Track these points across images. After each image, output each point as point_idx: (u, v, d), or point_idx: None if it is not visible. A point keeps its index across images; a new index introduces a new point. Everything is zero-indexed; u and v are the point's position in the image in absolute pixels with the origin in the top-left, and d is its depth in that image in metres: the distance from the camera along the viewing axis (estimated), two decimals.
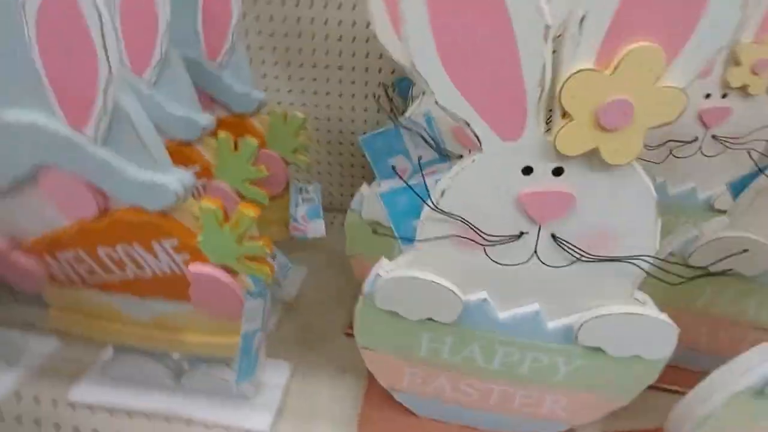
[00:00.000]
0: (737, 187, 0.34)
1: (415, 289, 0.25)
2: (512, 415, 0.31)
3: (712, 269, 0.31)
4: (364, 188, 0.35)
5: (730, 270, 0.29)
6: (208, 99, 0.36)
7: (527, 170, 0.21)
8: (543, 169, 0.20)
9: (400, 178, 0.28)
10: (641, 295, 0.24)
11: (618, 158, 0.19)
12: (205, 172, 0.32)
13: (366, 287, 0.27)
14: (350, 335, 0.39)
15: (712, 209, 0.41)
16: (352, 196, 0.37)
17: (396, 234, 0.26)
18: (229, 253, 0.22)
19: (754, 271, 0.30)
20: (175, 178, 0.20)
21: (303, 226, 0.43)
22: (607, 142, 0.18)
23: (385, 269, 0.26)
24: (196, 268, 0.22)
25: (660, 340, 0.24)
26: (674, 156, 0.40)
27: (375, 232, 0.29)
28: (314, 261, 0.51)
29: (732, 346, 0.35)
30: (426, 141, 0.30)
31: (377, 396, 0.34)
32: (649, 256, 0.21)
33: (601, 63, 0.17)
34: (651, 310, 0.23)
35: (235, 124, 0.36)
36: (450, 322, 0.26)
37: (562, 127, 0.19)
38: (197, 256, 0.22)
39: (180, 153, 0.30)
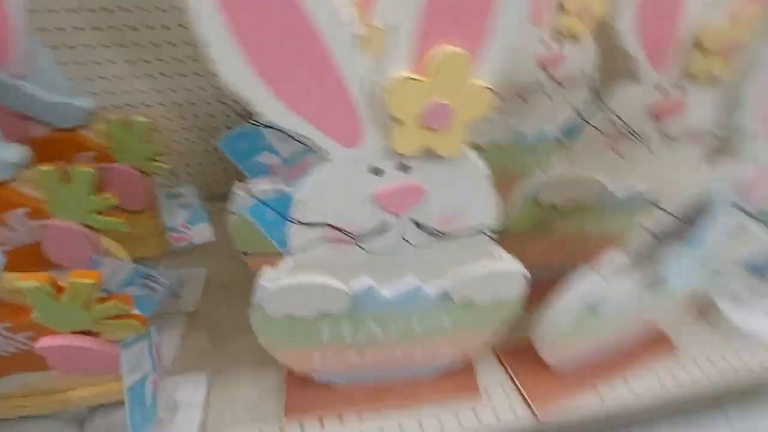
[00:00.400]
0: (570, 130, 0.40)
1: (302, 292, 0.26)
2: (418, 364, 0.35)
3: (560, 205, 0.37)
4: (237, 188, 0.33)
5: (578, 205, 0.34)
6: (16, 117, 0.30)
7: (377, 171, 0.22)
8: (390, 168, 0.21)
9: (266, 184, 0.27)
10: (497, 251, 0.28)
11: (448, 151, 0.20)
12: (36, 213, 0.27)
13: (254, 298, 0.27)
14: None
15: (560, 143, 0.47)
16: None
17: (273, 243, 0.25)
18: (79, 322, 0.20)
19: (590, 200, 0.36)
20: None
21: (186, 234, 0.40)
22: (436, 140, 0.20)
23: (269, 279, 0.26)
24: (44, 343, 0.20)
25: (515, 284, 0.28)
26: (524, 101, 0.44)
27: (245, 254, 0.28)
28: (212, 259, 0.49)
29: (581, 258, 0.43)
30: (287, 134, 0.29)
31: (298, 380, 0.36)
32: (491, 231, 0.25)
33: (418, 70, 0.18)
34: (506, 263, 0.27)
35: (63, 141, 0.30)
36: (343, 312, 0.28)
37: (396, 131, 0.19)
38: (42, 330, 0.20)
39: None
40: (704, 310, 0.45)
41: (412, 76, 0.18)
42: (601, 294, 0.27)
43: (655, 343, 0.41)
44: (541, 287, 0.31)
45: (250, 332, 0.41)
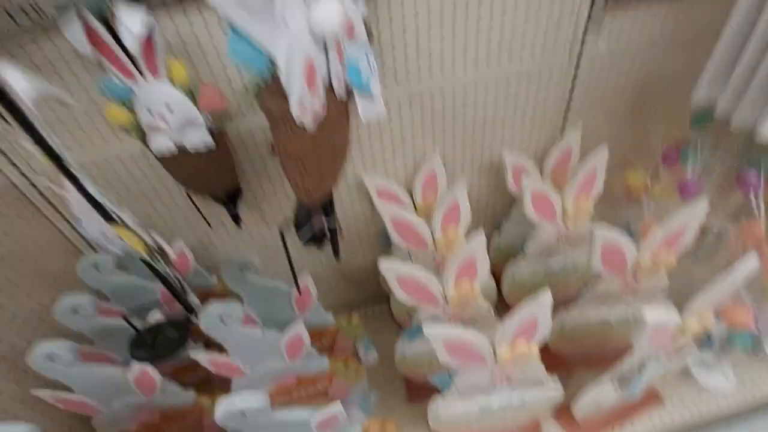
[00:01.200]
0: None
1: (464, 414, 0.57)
2: (512, 426, 0.66)
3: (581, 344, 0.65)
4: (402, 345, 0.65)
5: None
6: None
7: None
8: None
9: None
10: (548, 382, 0.57)
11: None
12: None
13: (432, 409, 0.58)
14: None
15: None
16: None
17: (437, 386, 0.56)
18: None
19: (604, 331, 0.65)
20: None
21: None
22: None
23: (443, 404, 0.57)
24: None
25: (556, 395, 0.58)
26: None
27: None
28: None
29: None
30: None
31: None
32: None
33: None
34: (550, 390, 0.57)
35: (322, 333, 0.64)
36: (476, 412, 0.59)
37: None
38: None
39: None
40: (683, 373, 0.72)
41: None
42: (603, 391, 0.56)
43: (650, 398, 0.69)
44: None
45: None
